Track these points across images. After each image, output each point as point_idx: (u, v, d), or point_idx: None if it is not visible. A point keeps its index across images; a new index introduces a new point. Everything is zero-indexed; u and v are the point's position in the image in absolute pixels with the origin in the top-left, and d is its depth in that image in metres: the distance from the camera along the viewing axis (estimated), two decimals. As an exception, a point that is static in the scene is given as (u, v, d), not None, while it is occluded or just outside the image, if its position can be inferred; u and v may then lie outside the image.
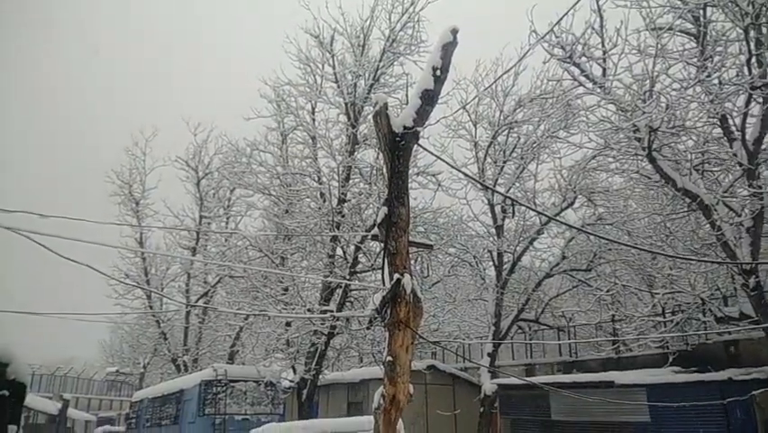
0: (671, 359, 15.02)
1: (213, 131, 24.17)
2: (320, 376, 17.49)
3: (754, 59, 11.03)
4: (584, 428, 15.09)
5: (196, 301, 24.33)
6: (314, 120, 17.73)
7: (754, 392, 10.61)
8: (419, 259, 21.55)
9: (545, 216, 15.21)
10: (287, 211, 17.61)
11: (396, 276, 8.35)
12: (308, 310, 15.70)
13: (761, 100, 11.16)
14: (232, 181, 19.92)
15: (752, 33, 10.90)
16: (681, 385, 13.27)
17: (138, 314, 25.75)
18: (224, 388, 13.86)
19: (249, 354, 20.32)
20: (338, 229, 16.50)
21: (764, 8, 10.69)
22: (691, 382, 13.16)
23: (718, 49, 11.81)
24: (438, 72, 7.35)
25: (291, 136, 18.32)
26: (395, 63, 16.99)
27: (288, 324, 16.89)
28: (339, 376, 21.65)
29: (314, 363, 16.81)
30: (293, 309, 15.60)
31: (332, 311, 15.46)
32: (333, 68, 17.13)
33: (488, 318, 20.22)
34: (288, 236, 17.41)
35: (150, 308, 24.81)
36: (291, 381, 17.33)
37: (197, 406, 13.37)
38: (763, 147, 11.64)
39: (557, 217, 15.14)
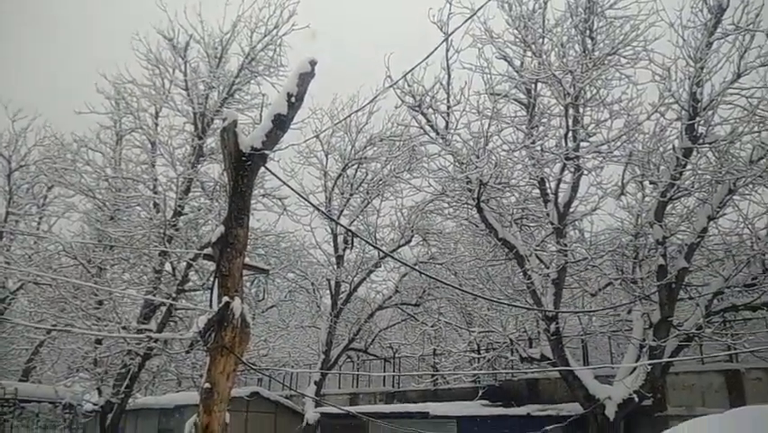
0: (480, 393, 16.25)
1: (36, 119, 21.53)
2: (130, 400, 16.05)
3: (570, 134, 12.65)
4: (398, 459, 15.62)
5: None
6: (156, 125, 16.60)
7: (546, 428, 11.82)
8: (256, 281, 21.04)
9: (382, 251, 15.81)
10: (111, 218, 16.15)
11: (225, 299, 8.05)
12: (123, 328, 14.39)
13: (573, 170, 12.79)
14: (51, 178, 17.79)
15: (570, 111, 12.53)
16: (488, 418, 14.42)
17: None
18: (12, 409, 12.07)
19: (48, 372, 18.01)
20: (170, 243, 15.50)
21: (582, 91, 12.38)
22: (496, 415, 14.38)
23: (543, 120, 13.37)
24: (293, 99, 7.36)
25: (128, 138, 16.94)
26: (252, 81, 16.70)
27: (99, 341, 15.33)
28: (151, 400, 20.07)
29: (123, 386, 15.39)
30: (105, 326, 14.19)
31: (151, 330, 14.35)
32: (185, 74, 16.32)
33: (319, 346, 20.27)
34: (111, 246, 15.93)
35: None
36: (95, 403, 15.66)
37: (-27, 431, 11.49)
38: (571, 210, 13.29)
39: (393, 255, 15.79)
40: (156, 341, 14.81)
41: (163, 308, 15.92)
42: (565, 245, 12.98)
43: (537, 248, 13.57)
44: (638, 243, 12.77)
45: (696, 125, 11.36)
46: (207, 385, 7.67)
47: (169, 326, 15.73)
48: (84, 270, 15.33)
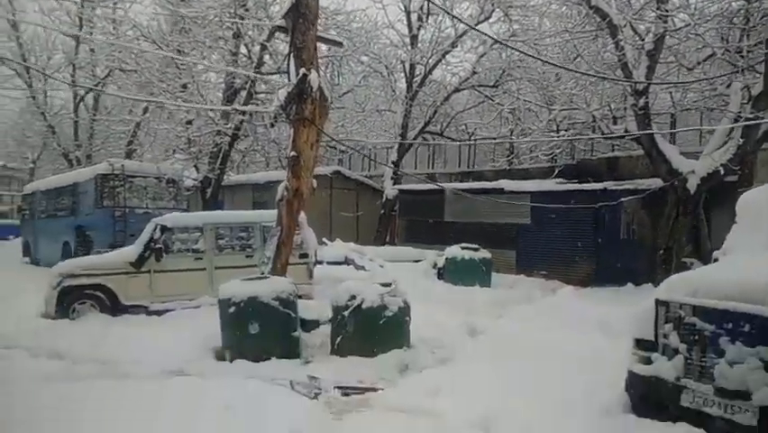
0: (556, 171, 16.34)
1: None
2: (225, 177, 17.47)
3: None
4: (473, 228, 16.64)
5: (85, 95, 22.51)
6: None
7: (622, 199, 11.93)
8: (330, 66, 20.82)
9: (463, 22, 14.81)
10: (182, -1, 15.83)
11: (302, 71, 8.05)
12: (210, 110, 15.04)
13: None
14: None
15: None
16: (562, 193, 14.66)
17: (20, 106, 23.61)
18: (122, 182, 13.47)
19: (147, 154, 19.65)
20: (242, 23, 15.24)
21: None
22: (570, 190, 14.56)
23: None
24: None
25: None
26: None
27: (189, 122, 16.24)
28: (245, 178, 21.77)
29: (217, 164, 16.64)
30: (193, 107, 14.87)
31: (235, 109, 14.91)
32: None
33: (395, 129, 20.59)
34: (185, 29, 15.87)
35: (33, 99, 22.72)
36: (194, 179, 17.20)
37: (94, 198, 13.04)
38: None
39: (474, 27, 14.78)
40: (242, 122, 15.48)
41: (243, 93, 16.33)
42: (666, 11, 11.64)
43: (634, 16, 12.27)
44: (751, 7, 11.25)
45: None
46: (294, 154, 8.10)
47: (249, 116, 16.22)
48: (163, 54, 15.54)
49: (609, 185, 13.82)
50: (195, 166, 17.27)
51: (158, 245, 9.09)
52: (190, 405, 4.18)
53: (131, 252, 9.19)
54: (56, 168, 24.74)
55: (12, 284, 10.77)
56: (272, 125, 15.69)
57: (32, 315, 8.61)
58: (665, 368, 4.15)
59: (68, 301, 8.52)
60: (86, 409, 3.89)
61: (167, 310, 8.87)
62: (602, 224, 14.09)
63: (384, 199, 19.93)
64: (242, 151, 18.21)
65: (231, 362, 6.37)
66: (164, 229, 9.23)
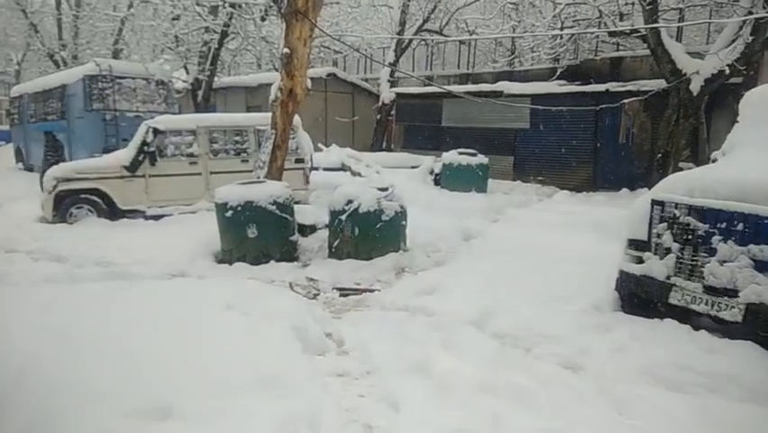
0: (558, 72, 15.87)
1: None
2: (215, 78, 16.95)
3: None
4: (470, 133, 16.44)
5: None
6: None
7: (624, 101, 11.67)
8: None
9: None
10: None
11: (293, -42, 7.53)
12: (197, 4, 14.27)
13: None
14: None
15: None
16: (562, 95, 14.34)
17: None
18: (111, 84, 13.02)
19: (134, 54, 18.87)
20: None
21: None
22: (572, 92, 14.23)
23: None
24: None
25: None
26: None
27: (176, 18, 15.48)
28: (236, 80, 21.14)
29: (208, 64, 16.08)
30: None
31: (224, 0, 14.15)
32: None
33: (392, 27, 19.75)
34: None
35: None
36: (184, 81, 16.68)
37: (84, 101, 12.65)
38: None
39: None
40: (231, 18, 14.76)
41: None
42: None
43: None
44: None
45: None
46: (286, 50, 7.74)
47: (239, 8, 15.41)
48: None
49: (612, 86, 13.48)
50: (184, 67, 16.69)
51: (151, 149, 8.98)
52: (191, 305, 4.28)
53: (125, 155, 9.08)
54: (42, 70, 23.87)
55: (7, 190, 10.73)
56: (263, 19, 15.02)
57: (30, 220, 8.65)
58: (656, 267, 4.23)
59: (64, 206, 8.54)
60: (87, 308, 3.99)
61: (164, 215, 8.94)
62: (602, 128, 13.91)
63: (380, 104, 19.52)
64: (233, 50, 17.53)
65: (231, 265, 6.48)
66: (157, 132, 9.07)
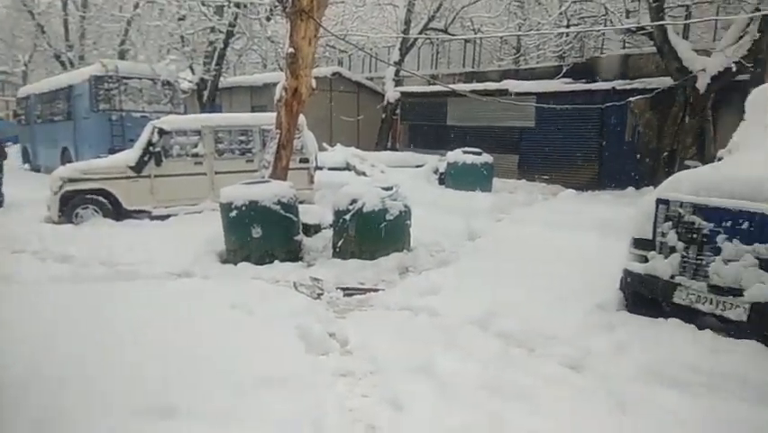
0: (564, 70, 15.81)
1: None
2: (221, 78, 17.00)
3: None
4: (475, 132, 16.41)
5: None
6: None
7: (630, 99, 11.60)
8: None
9: None
10: None
11: (297, -42, 7.54)
12: (202, 4, 14.31)
13: None
14: None
15: None
16: (568, 93, 14.27)
17: (5, 3, 22.45)
18: (117, 84, 13.09)
19: (140, 55, 18.96)
20: None
21: None
22: (577, 90, 14.16)
23: None
24: None
25: None
26: None
27: (182, 18, 15.53)
28: (242, 80, 21.20)
29: (213, 64, 16.13)
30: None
31: (229, 0, 14.18)
32: None
33: (397, 26, 19.74)
34: None
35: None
36: (190, 81, 16.74)
37: (90, 102, 12.73)
38: None
39: None
40: (236, 18, 14.79)
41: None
42: None
43: None
44: None
45: None
46: (291, 50, 7.75)
47: (244, 8, 15.44)
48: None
49: (618, 84, 13.41)
50: (190, 67, 16.75)
51: (156, 149, 9.02)
52: (196, 304, 4.31)
53: (130, 156, 9.13)
54: (49, 71, 24.01)
55: (14, 191, 10.80)
56: (268, 19, 15.05)
57: (36, 220, 8.71)
58: (661, 266, 4.21)
59: (70, 206, 8.58)
60: (92, 308, 4.02)
61: (169, 215, 8.98)
62: (607, 126, 13.84)
63: (385, 103, 19.51)
64: (238, 50, 17.59)
65: (235, 265, 6.50)
66: (162, 132, 9.11)
